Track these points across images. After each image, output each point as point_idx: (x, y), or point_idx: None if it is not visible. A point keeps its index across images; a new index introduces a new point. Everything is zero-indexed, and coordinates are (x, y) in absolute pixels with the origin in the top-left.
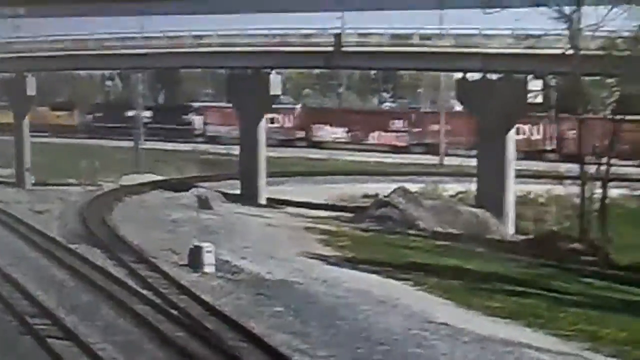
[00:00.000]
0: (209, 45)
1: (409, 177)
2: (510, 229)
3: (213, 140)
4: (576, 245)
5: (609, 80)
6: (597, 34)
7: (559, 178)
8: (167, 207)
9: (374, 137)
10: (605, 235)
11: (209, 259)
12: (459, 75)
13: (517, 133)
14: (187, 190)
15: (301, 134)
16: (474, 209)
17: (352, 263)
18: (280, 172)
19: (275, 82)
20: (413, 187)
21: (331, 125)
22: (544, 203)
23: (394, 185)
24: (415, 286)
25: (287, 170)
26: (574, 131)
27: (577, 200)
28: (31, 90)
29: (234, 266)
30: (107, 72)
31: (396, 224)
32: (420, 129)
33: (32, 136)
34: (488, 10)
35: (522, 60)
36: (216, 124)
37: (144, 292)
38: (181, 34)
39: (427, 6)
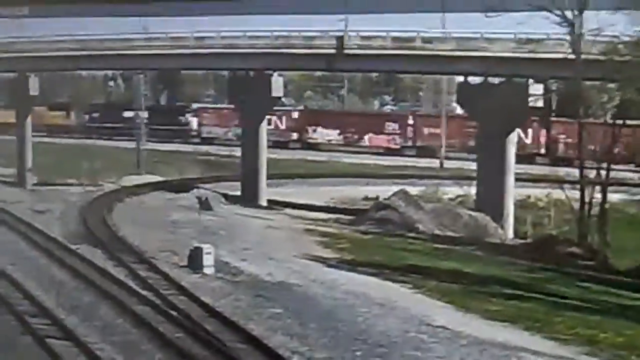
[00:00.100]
0: (211, 46)
1: (410, 180)
2: (509, 233)
3: (208, 141)
4: (575, 249)
5: (610, 85)
6: (598, 38)
7: (558, 182)
8: (167, 208)
9: (367, 140)
10: (604, 240)
11: (208, 260)
12: (461, 78)
13: None
14: (187, 191)
15: (295, 135)
16: (473, 213)
17: (351, 265)
18: (281, 174)
19: (277, 84)
20: (413, 190)
21: (325, 127)
22: (543, 207)
23: (395, 188)
24: (413, 289)
25: (288, 172)
26: (564, 135)
27: (577, 205)
28: (34, 90)
29: (234, 268)
30: (109, 73)
31: (396, 226)
32: (413, 132)
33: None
34: (490, 14)
35: (523, 64)
36: (211, 125)
37: (144, 292)
38: (183, 35)
39: (430, 9)
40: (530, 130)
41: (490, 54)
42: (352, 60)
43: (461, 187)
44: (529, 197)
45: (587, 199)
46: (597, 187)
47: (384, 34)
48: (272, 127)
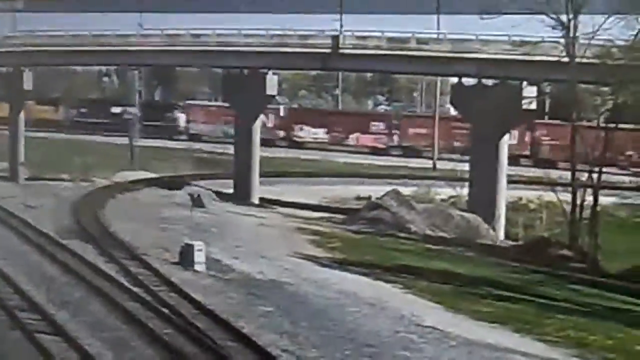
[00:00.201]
0: (207, 44)
1: (402, 181)
2: (500, 234)
3: (195, 138)
4: (566, 251)
5: (604, 89)
6: (592, 42)
7: (550, 184)
8: (159, 205)
9: (354, 139)
10: (594, 243)
11: (200, 257)
12: (455, 80)
13: None
14: (180, 188)
15: (282, 134)
16: (465, 214)
17: (342, 265)
18: (273, 172)
19: (272, 82)
20: (406, 190)
21: (312, 126)
22: (535, 209)
23: (387, 188)
24: (404, 289)
25: (281, 171)
26: (548, 137)
27: (568, 207)
28: (28, 85)
29: (225, 265)
30: (103, 69)
31: (388, 226)
32: (399, 132)
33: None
34: (485, 16)
35: (517, 66)
36: (199, 121)
37: (134, 289)
38: (179, 32)
39: (425, 11)
40: (515, 132)
41: (484, 56)
42: (347, 59)
43: (453, 188)
44: (520, 199)
45: (578, 202)
46: (589, 190)
47: (379, 34)
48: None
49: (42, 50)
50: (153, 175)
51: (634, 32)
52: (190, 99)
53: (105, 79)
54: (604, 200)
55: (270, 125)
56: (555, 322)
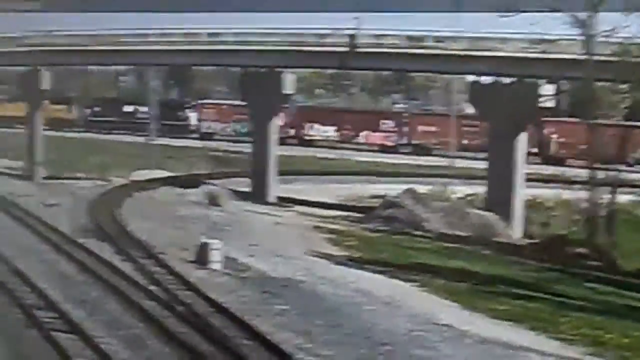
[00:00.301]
0: (224, 43)
1: (417, 179)
2: (517, 232)
3: (207, 136)
4: (582, 250)
5: (622, 86)
6: (611, 40)
7: (567, 182)
8: (176, 204)
9: (363, 137)
10: (611, 241)
11: (216, 256)
12: (472, 78)
13: None
14: (197, 187)
15: (293, 132)
16: (481, 212)
17: (358, 263)
18: (290, 171)
19: (289, 81)
20: (422, 188)
21: (322, 124)
22: (552, 207)
23: (403, 186)
24: (420, 287)
25: (297, 169)
26: (556, 135)
27: (585, 205)
28: (45, 84)
29: (241, 263)
30: (120, 68)
31: (404, 225)
32: (408, 130)
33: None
34: (503, 14)
35: (535, 64)
36: (210, 120)
37: (151, 287)
38: (196, 31)
39: (443, 9)
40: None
41: (502, 54)
42: (364, 58)
43: (469, 186)
44: (537, 197)
45: (595, 200)
46: (606, 188)
47: (396, 32)
48: None
49: (58, 50)
50: (169, 174)
51: None
52: (206, 98)
53: (122, 78)
54: (622, 198)
55: (280, 123)
56: (571, 320)
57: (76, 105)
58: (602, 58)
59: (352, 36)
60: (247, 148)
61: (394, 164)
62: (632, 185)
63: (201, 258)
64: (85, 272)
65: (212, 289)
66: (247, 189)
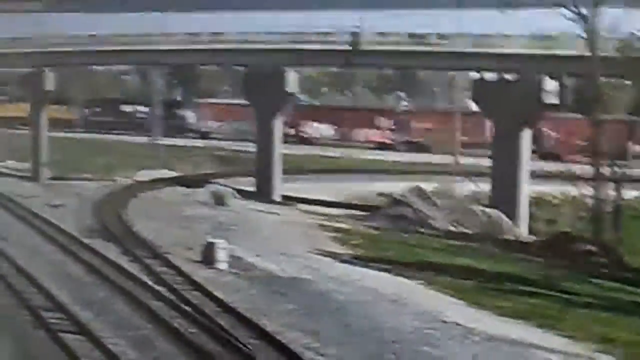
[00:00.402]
0: (227, 42)
1: (424, 176)
2: (523, 230)
3: (205, 135)
4: (589, 246)
5: (625, 82)
6: (614, 35)
7: (573, 179)
8: (181, 203)
9: (360, 135)
10: (617, 237)
11: (222, 255)
12: (475, 75)
13: None
14: (202, 186)
15: (292, 131)
16: (487, 209)
17: (364, 261)
18: (295, 169)
19: (292, 79)
20: (428, 186)
21: (320, 122)
22: (558, 204)
23: (408, 184)
24: (426, 285)
25: (302, 168)
26: (553, 131)
27: (591, 202)
28: (50, 85)
29: (247, 263)
30: (124, 68)
31: (410, 223)
32: (405, 127)
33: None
34: (505, 10)
35: (538, 60)
36: (209, 119)
37: (157, 287)
38: (199, 30)
39: (446, 6)
40: None
41: (505, 51)
42: (367, 56)
43: (475, 183)
44: (542, 194)
45: (601, 196)
46: (612, 185)
47: (399, 30)
48: None
49: (61, 51)
50: (174, 173)
51: None
52: (210, 97)
53: (125, 77)
54: (628, 194)
55: None
56: (578, 317)
57: (75, 105)
58: (606, 54)
59: (355, 34)
60: (251, 147)
61: (397, 162)
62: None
63: (207, 258)
64: (91, 273)
65: (218, 289)
66: (252, 188)
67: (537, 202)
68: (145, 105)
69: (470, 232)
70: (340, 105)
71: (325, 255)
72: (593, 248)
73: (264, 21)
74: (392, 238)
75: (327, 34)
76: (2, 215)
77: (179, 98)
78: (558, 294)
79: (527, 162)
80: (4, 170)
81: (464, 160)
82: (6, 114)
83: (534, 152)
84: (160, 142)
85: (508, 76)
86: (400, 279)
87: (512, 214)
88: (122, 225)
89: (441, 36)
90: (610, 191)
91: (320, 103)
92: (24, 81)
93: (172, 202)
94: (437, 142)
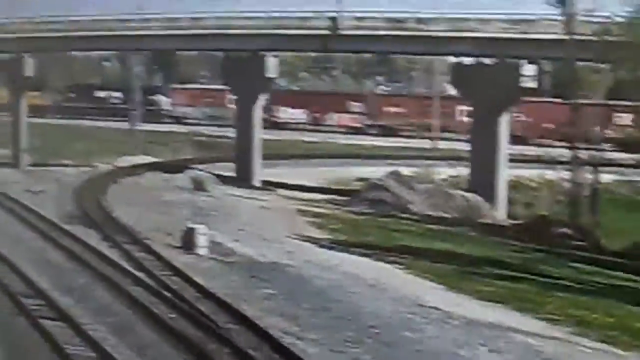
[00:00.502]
0: (206, 27)
1: (403, 161)
2: (501, 213)
3: (179, 120)
4: (566, 230)
5: (603, 66)
6: (591, 19)
7: (551, 163)
8: (161, 189)
9: (331, 119)
10: (595, 221)
11: (202, 241)
12: (454, 59)
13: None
14: (181, 172)
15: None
16: (465, 193)
17: (344, 246)
18: (274, 155)
19: (272, 64)
20: (406, 170)
21: (292, 107)
22: (536, 188)
23: (388, 169)
24: (406, 270)
25: (282, 153)
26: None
27: (569, 185)
28: (29, 71)
29: (227, 248)
30: (104, 53)
31: (389, 207)
32: (375, 112)
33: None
34: None
35: (516, 44)
36: (183, 104)
37: (137, 273)
38: (178, 15)
39: None
40: None
41: (483, 35)
42: (346, 41)
43: (454, 167)
44: (520, 177)
45: (578, 180)
46: (589, 168)
47: (377, 15)
48: None
49: (41, 37)
50: (154, 159)
51: (632, 9)
52: (190, 82)
53: (106, 63)
54: (604, 177)
55: None
56: (556, 300)
57: (51, 91)
58: (583, 38)
59: (333, 19)
60: (230, 132)
61: (375, 147)
62: (614, 164)
63: (187, 243)
64: (72, 259)
65: (198, 274)
66: (231, 174)
67: (515, 185)
68: (122, 91)
69: (449, 216)
70: (313, 90)
71: (304, 240)
72: (571, 231)
73: (243, 6)
74: (371, 223)
75: (306, 18)
76: None
77: (159, 84)
78: (536, 277)
79: (506, 146)
80: None
81: (429, 144)
82: None
83: None
84: (139, 127)
85: (486, 60)
86: (379, 263)
87: (490, 198)
88: (102, 211)
89: (419, 21)
90: (587, 175)
91: (299, 88)
92: (3, 67)
93: (152, 188)
94: (407, 125)
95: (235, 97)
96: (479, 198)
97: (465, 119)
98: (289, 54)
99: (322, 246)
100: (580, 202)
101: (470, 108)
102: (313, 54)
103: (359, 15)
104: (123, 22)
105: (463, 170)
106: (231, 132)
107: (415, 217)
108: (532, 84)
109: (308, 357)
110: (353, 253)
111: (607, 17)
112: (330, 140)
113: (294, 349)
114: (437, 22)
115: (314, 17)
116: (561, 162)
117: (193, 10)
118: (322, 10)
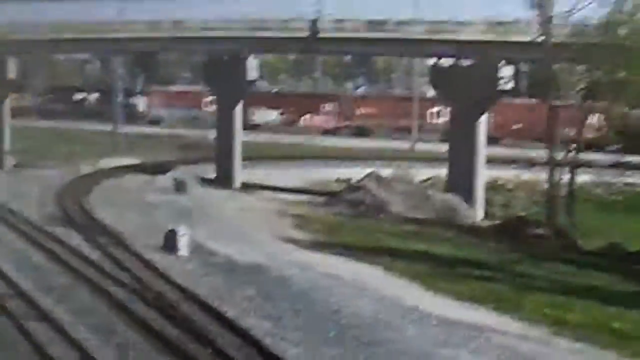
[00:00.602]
0: (187, 29)
1: (381, 162)
2: (479, 214)
3: (156, 122)
4: (543, 230)
5: (579, 68)
6: (567, 21)
7: (528, 164)
8: (143, 191)
9: (305, 120)
10: (571, 221)
11: (183, 242)
12: (433, 61)
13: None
14: (164, 173)
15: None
16: (444, 194)
17: (324, 247)
18: (254, 156)
19: (252, 66)
20: (385, 172)
21: (267, 108)
22: (513, 189)
23: (367, 170)
24: (385, 270)
25: (262, 155)
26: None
27: (545, 186)
28: (12, 74)
29: (208, 249)
30: (86, 56)
31: (368, 208)
32: (349, 113)
33: None
34: None
35: (494, 46)
36: (160, 106)
37: (119, 275)
38: (160, 18)
39: None
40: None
41: (461, 37)
42: (326, 43)
43: (432, 168)
44: (498, 178)
45: (555, 181)
46: (566, 169)
47: (357, 17)
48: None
49: (23, 39)
50: (136, 161)
51: (607, 11)
52: (171, 84)
53: (89, 66)
54: (581, 178)
55: None
56: (533, 300)
57: (29, 93)
58: (559, 40)
59: (314, 21)
60: (211, 134)
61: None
62: (591, 165)
63: (168, 244)
64: (53, 260)
65: (179, 275)
66: (212, 175)
67: (493, 186)
68: (102, 93)
69: (427, 217)
70: (289, 91)
71: (285, 241)
72: (547, 232)
73: (224, 9)
74: (351, 224)
75: (286, 20)
76: None
77: (139, 86)
78: (514, 277)
79: (484, 147)
80: None
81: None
82: None
83: None
84: (121, 130)
85: (465, 62)
86: (359, 264)
87: (468, 199)
88: (84, 213)
89: (399, 23)
90: (563, 175)
91: (278, 89)
92: None
93: (134, 190)
94: (380, 126)
95: (216, 99)
96: (457, 199)
97: (441, 120)
98: (270, 56)
99: (302, 247)
100: (557, 203)
101: (447, 109)
102: (293, 56)
103: (338, 17)
104: (104, 24)
105: (441, 172)
106: (210, 134)
107: (394, 218)
108: (510, 85)
109: (289, 357)
110: (333, 254)
111: (583, 19)
112: (308, 142)
113: (274, 350)
114: (415, 25)
115: (294, 19)
116: (538, 163)
117: (174, 13)
118: (302, 13)
